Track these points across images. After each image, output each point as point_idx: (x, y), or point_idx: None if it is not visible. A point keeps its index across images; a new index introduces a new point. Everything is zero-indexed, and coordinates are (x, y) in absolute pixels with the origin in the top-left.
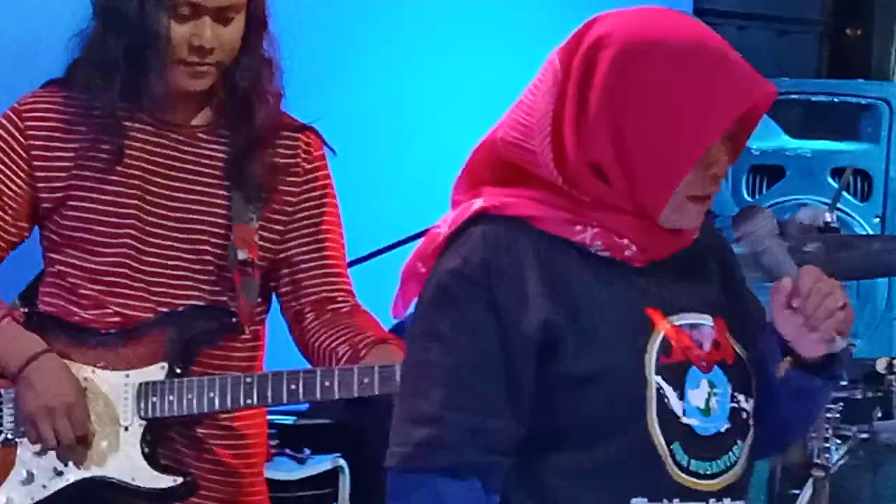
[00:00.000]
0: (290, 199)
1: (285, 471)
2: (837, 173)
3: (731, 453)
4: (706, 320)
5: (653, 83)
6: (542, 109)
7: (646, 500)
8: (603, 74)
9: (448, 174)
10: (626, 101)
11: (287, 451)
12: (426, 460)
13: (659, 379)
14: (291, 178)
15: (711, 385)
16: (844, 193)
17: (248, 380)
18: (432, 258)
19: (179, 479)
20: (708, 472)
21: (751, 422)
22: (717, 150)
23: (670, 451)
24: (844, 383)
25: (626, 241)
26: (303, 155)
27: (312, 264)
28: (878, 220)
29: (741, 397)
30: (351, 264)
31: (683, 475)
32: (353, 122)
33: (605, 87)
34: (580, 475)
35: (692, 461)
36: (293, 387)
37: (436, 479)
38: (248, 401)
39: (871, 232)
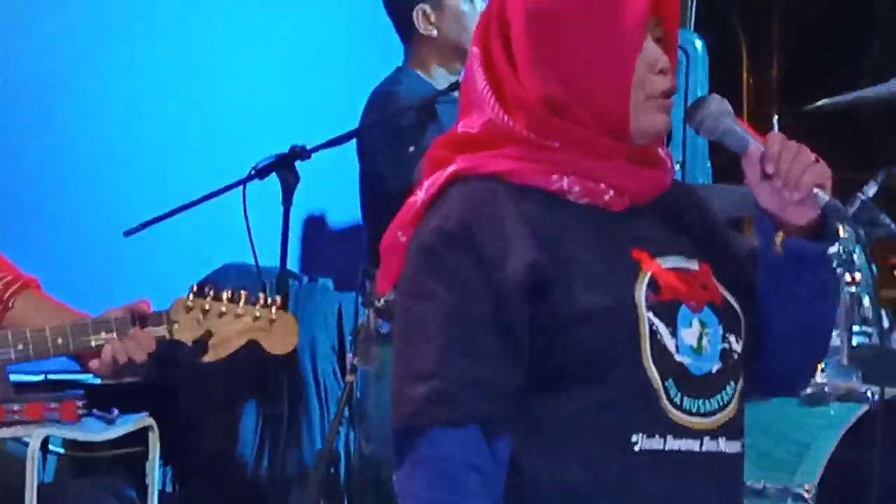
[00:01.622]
0: None
1: (94, 431)
2: None
3: (723, 393)
4: (691, 264)
5: (563, 13)
6: (479, 86)
7: (644, 435)
8: (518, 25)
9: None
10: (549, 37)
11: (95, 411)
12: (427, 416)
13: (651, 315)
14: None
15: (703, 324)
16: None
17: None
18: (412, 225)
19: None
20: (701, 411)
21: (741, 363)
22: (651, 47)
23: (665, 387)
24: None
25: (602, 186)
26: None
27: None
28: (678, 166)
29: (732, 338)
30: None
31: (677, 412)
32: None
33: (528, 31)
34: (579, 415)
35: (685, 398)
36: None
37: (434, 430)
38: None
39: None
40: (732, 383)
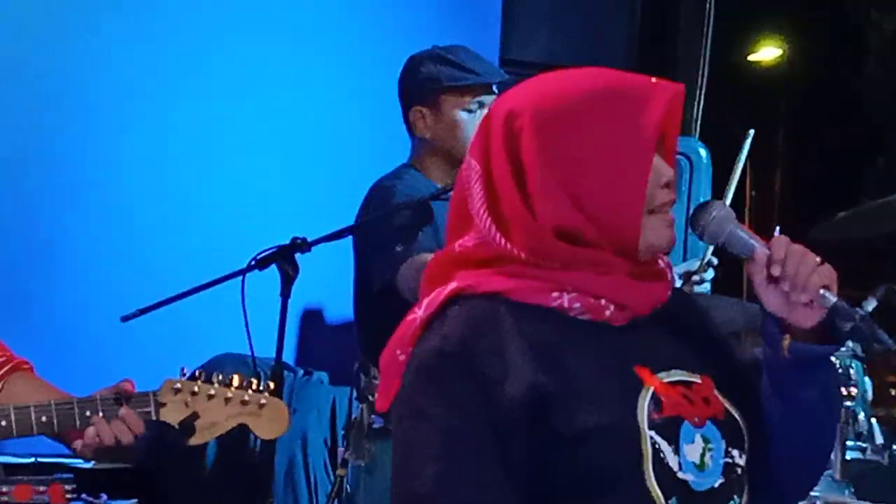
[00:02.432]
0: None
1: None
2: None
3: None
4: (694, 377)
5: (579, 134)
6: (476, 204)
7: None
8: (530, 143)
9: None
10: (563, 159)
11: (84, 496)
12: None
13: (653, 433)
14: None
15: (705, 440)
16: None
17: None
18: (410, 344)
19: None
20: None
21: (745, 478)
22: (658, 162)
23: None
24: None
25: (603, 302)
26: None
27: None
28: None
29: (735, 452)
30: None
31: None
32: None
33: (540, 153)
34: None
35: None
36: None
37: None
38: None
39: None
40: (736, 498)
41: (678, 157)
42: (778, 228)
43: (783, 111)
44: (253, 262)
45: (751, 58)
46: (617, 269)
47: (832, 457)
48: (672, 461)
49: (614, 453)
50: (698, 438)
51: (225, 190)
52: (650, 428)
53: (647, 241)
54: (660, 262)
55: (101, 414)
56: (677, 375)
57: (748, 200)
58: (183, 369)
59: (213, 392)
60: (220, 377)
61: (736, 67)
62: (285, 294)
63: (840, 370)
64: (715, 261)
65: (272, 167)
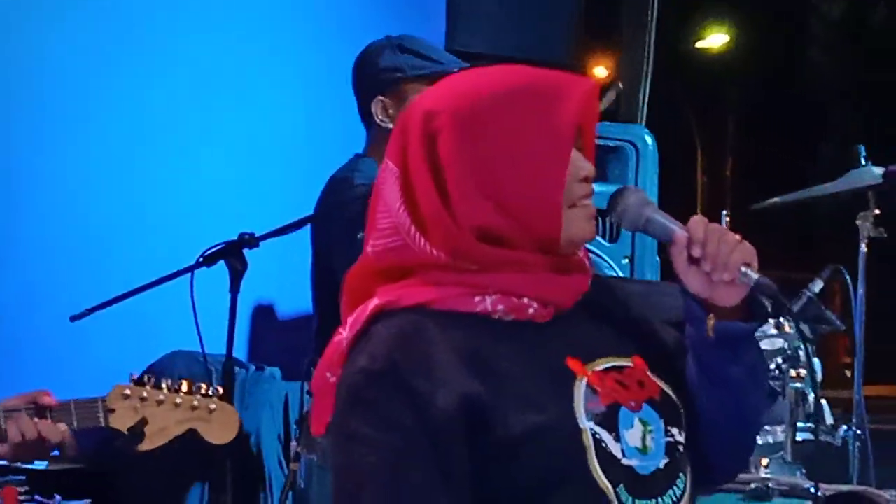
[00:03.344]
0: None
1: None
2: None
3: (675, 487)
4: (625, 362)
5: (496, 133)
6: (395, 207)
7: None
8: (447, 144)
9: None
10: (481, 159)
11: (37, 497)
12: None
13: (592, 425)
14: None
15: (644, 423)
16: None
17: None
18: (339, 365)
19: None
20: None
21: (687, 454)
22: (576, 156)
23: (616, 493)
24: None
25: (525, 300)
26: None
27: None
28: (626, 260)
29: (675, 430)
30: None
31: None
32: None
33: (458, 154)
34: None
35: (636, 501)
36: None
37: None
38: None
39: (620, 273)
40: (682, 475)
41: (624, 144)
42: (724, 216)
43: (732, 97)
44: (201, 259)
45: (698, 45)
46: (537, 267)
47: (783, 438)
48: (615, 449)
49: (556, 450)
50: (637, 422)
51: (172, 187)
52: (589, 419)
53: (569, 235)
54: (578, 252)
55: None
56: (609, 362)
57: (700, 186)
58: (132, 375)
59: (162, 397)
60: (170, 382)
61: (684, 55)
62: (234, 290)
63: (789, 351)
64: None
65: (219, 164)
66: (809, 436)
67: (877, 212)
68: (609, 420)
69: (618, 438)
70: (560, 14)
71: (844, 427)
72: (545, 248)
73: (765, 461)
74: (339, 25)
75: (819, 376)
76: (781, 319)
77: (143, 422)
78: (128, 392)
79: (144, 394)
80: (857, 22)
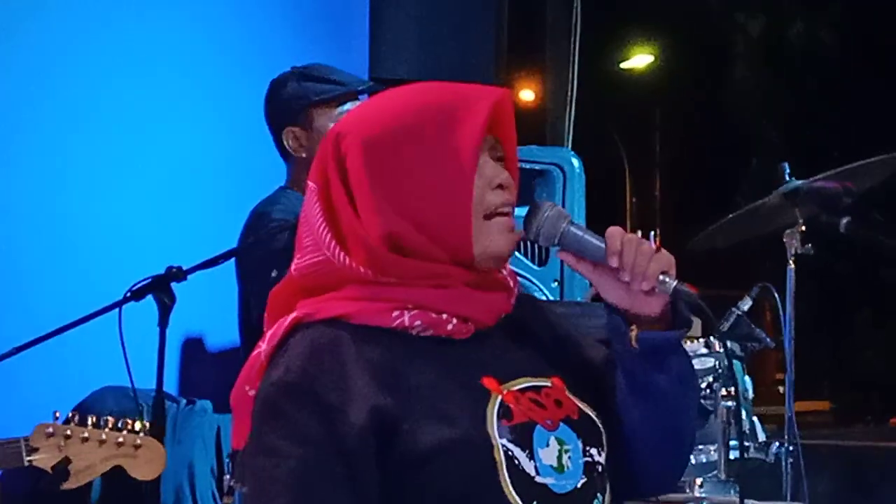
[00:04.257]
0: None
1: None
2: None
3: None
4: (543, 382)
5: (401, 149)
6: (316, 223)
7: None
8: (355, 163)
9: None
10: (388, 175)
11: None
12: None
13: (505, 441)
14: None
15: (561, 442)
16: (521, 257)
17: None
18: (258, 378)
19: None
20: None
21: (606, 474)
22: (489, 166)
23: None
24: None
25: (444, 316)
26: None
27: None
28: (556, 284)
29: (594, 451)
30: None
31: None
32: None
33: (366, 172)
34: None
35: None
36: None
37: None
38: None
39: (549, 297)
40: (600, 496)
41: (550, 167)
42: (653, 236)
43: (658, 117)
44: (129, 294)
45: (623, 65)
46: (456, 281)
47: (717, 456)
48: (528, 467)
49: (466, 467)
50: (553, 441)
51: (97, 222)
52: (501, 437)
53: (483, 248)
54: (502, 270)
55: None
56: (526, 382)
57: (629, 207)
58: (56, 413)
59: (86, 435)
60: (95, 419)
61: (608, 76)
62: (163, 324)
63: (720, 370)
64: None
65: (143, 197)
66: (742, 454)
67: (803, 228)
68: (523, 438)
69: (532, 456)
70: (483, 38)
71: (776, 444)
72: (461, 261)
73: (699, 481)
74: (262, 57)
75: (750, 394)
76: (711, 338)
77: (67, 460)
78: (51, 430)
79: (68, 432)
80: (777, 38)
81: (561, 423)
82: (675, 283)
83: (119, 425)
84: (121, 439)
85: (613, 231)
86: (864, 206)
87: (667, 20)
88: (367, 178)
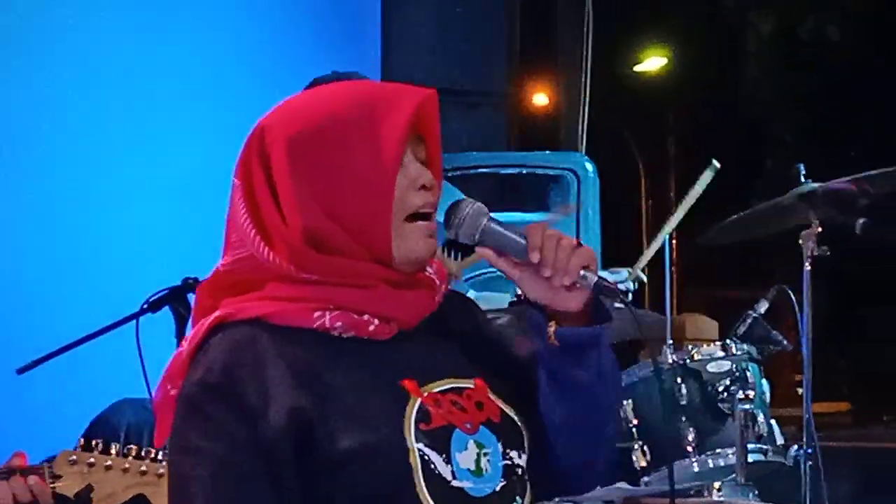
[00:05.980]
0: None
1: None
2: None
3: None
4: (466, 383)
5: (324, 145)
6: (240, 219)
7: None
8: (279, 157)
9: None
10: (310, 171)
11: None
12: None
13: (421, 446)
14: None
15: (480, 445)
16: None
17: None
18: (180, 377)
19: None
20: None
21: (526, 477)
22: (413, 166)
23: None
24: None
25: (366, 317)
26: None
27: None
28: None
29: (514, 453)
30: None
31: None
32: None
33: (288, 166)
34: None
35: None
36: None
37: None
38: None
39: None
40: (519, 499)
41: (564, 172)
42: (669, 241)
43: (672, 119)
44: (146, 305)
45: (636, 68)
46: (377, 280)
47: (735, 460)
48: (444, 470)
49: (382, 472)
50: (471, 445)
51: (114, 235)
52: (418, 441)
53: (403, 251)
54: (427, 269)
55: None
56: (448, 384)
57: (645, 210)
58: (80, 440)
59: (110, 463)
60: (119, 447)
61: (622, 79)
62: (180, 335)
63: (737, 373)
64: (644, 277)
65: (160, 209)
66: (760, 457)
67: (819, 230)
68: (440, 442)
69: (448, 460)
70: (497, 43)
71: (795, 447)
72: (382, 260)
73: (717, 484)
74: (276, 60)
75: (768, 396)
76: (728, 341)
77: (90, 488)
78: (74, 458)
79: (92, 459)
80: (790, 38)
81: (481, 427)
82: (595, 278)
83: (142, 454)
84: (144, 468)
85: (533, 226)
86: (881, 207)
87: (679, 22)
88: (290, 175)
